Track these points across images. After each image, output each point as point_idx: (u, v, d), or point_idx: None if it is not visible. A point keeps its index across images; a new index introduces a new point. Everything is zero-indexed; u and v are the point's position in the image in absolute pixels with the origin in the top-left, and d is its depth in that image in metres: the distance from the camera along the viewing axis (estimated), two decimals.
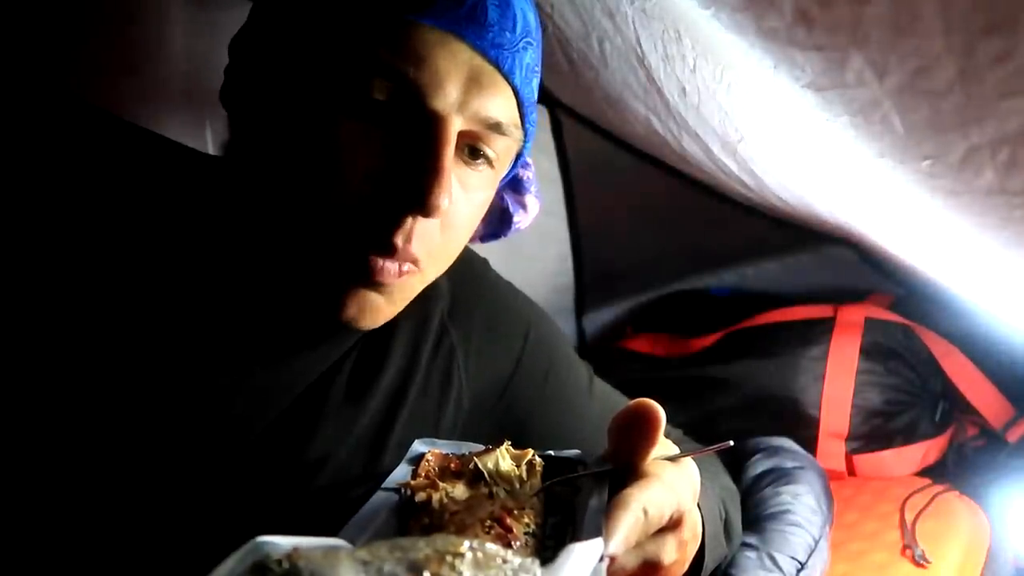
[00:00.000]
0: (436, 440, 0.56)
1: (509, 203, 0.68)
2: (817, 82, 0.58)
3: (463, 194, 0.55)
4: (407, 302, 0.58)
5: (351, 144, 0.51)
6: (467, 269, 0.63)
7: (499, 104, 0.53)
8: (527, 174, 0.68)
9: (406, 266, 0.53)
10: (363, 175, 0.51)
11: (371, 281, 0.53)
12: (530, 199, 0.69)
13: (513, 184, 0.67)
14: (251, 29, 0.56)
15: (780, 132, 0.77)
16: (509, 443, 0.53)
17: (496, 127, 0.54)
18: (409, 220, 0.51)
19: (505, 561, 0.33)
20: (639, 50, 0.81)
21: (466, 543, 0.33)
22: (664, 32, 0.74)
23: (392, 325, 0.65)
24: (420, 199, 0.50)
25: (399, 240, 0.51)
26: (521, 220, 0.69)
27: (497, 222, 0.68)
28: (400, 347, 0.65)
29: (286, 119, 0.52)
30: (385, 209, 0.51)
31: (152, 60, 0.92)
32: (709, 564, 0.60)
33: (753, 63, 0.63)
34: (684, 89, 0.82)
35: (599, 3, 0.79)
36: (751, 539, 0.89)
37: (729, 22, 0.60)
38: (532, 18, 0.56)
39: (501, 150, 0.56)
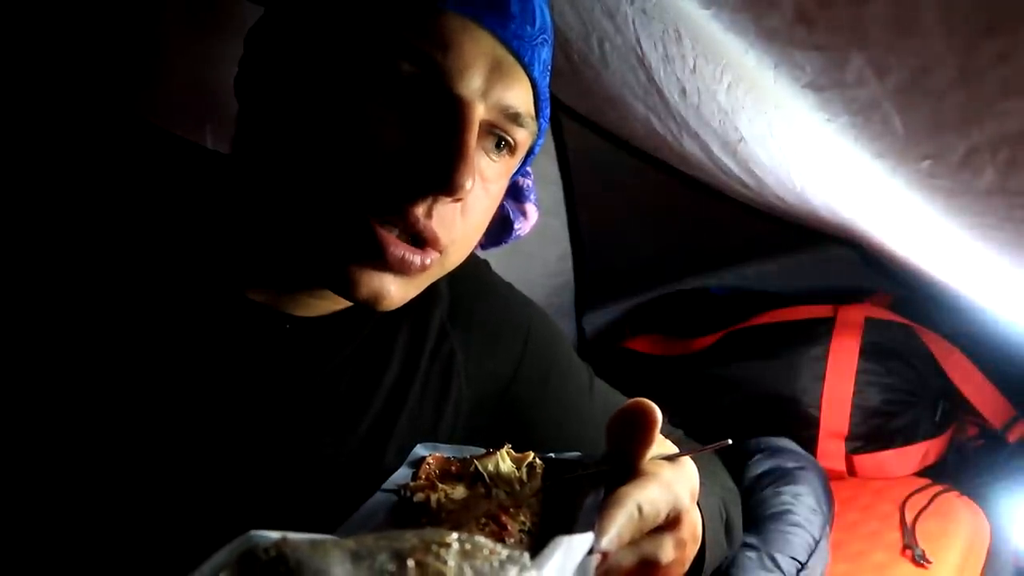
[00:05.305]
0: (438, 444, 0.56)
1: (510, 211, 0.68)
2: (817, 82, 0.58)
3: (481, 183, 0.55)
4: (422, 288, 0.58)
5: (374, 121, 0.51)
6: (467, 271, 0.63)
7: (519, 94, 0.54)
8: (527, 182, 0.69)
9: (428, 259, 0.53)
10: (385, 152, 0.51)
11: (387, 265, 0.52)
12: (530, 207, 0.70)
13: (513, 192, 0.68)
14: (272, 17, 0.56)
15: (780, 132, 0.77)
16: (510, 446, 0.53)
17: (515, 117, 0.54)
18: (430, 199, 0.51)
19: (493, 552, 0.33)
20: (639, 50, 0.81)
21: (454, 535, 0.33)
22: (664, 32, 0.74)
23: (392, 327, 0.65)
24: (446, 180, 0.50)
25: (419, 212, 0.51)
26: (522, 227, 0.69)
27: (498, 230, 0.68)
28: (400, 349, 0.66)
29: (308, 102, 0.52)
30: (406, 186, 0.51)
31: (152, 61, 0.92)
32: (710, 564, 0.60)
33: (753, 63, 0.63)
34: (684, 89, 0.82)
35: (599, 4, 0.79)
36: (752, 539, 0.89)
37: (729, 22, 0.60)
38: (548, 16, 0.56)
39: (519, 140, 0.56)
